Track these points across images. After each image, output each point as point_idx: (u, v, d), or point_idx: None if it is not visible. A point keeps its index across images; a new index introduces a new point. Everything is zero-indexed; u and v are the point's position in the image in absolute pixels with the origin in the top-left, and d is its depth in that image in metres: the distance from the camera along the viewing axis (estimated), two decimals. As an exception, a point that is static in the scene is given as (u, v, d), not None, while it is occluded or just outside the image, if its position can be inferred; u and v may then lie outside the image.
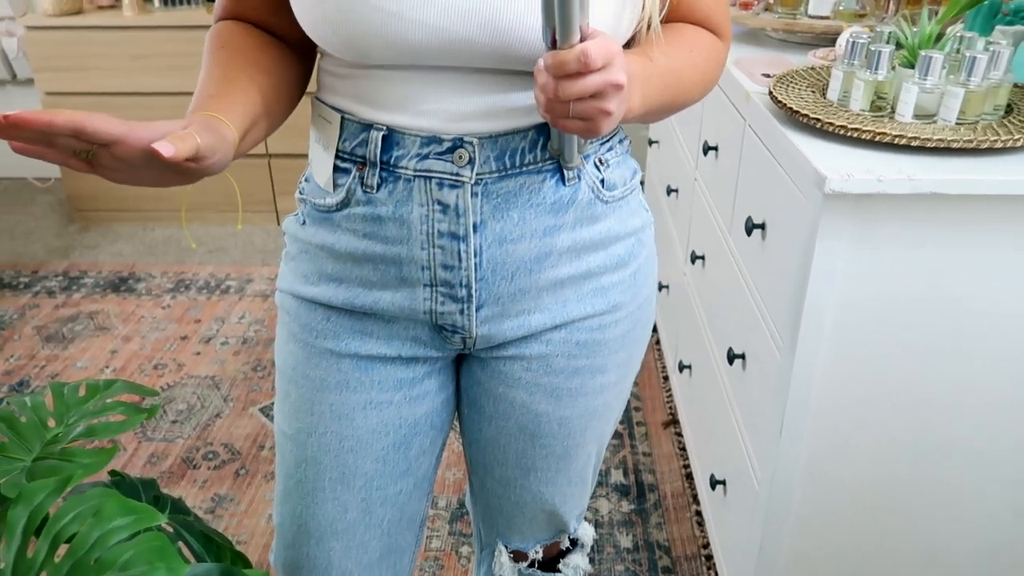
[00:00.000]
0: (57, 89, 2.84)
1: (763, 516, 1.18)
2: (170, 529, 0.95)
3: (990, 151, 0.98)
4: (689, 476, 1.81)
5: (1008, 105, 1.06)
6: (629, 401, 2.05)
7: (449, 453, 1.86)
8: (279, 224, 3.06)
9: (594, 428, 0.91)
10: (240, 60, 0.74)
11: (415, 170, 0.73)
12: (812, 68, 1.23)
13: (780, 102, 1.08)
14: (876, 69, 1.02)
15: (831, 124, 1.00)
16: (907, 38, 1.07)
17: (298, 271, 0.83)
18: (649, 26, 0.73)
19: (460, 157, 0.72)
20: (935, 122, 1.01)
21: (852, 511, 1.18)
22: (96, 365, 2.22)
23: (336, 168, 0.76)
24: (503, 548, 1.02)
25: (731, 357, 1.31)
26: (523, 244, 0.76)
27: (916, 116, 1.02)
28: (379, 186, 0.74)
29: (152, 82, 2.83)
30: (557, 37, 0.58)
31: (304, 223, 0.81)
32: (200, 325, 2.41)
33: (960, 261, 0.99)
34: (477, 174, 0.72)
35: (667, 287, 1.99)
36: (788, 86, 1.14)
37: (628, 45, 0.76)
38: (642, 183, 0.89)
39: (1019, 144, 0.96)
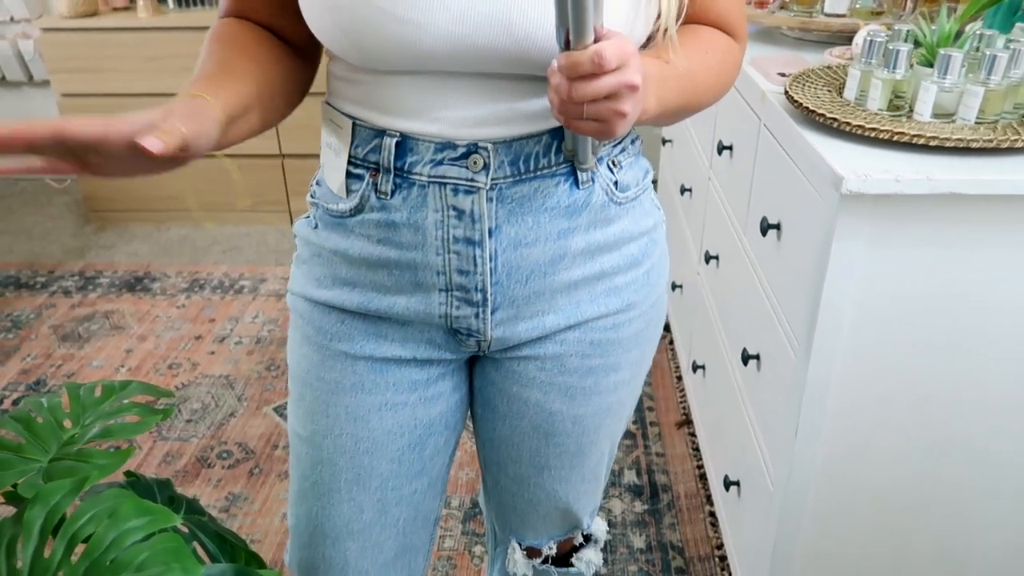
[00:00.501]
0: (73, 91, 2.86)
1: (777, 517, 1.17)
2: (185, 530, 0.96)
3: (1010, 151, 0.96)
4: (703, 476, 1.80)
5: (1028, 104, 1.05)
6: (642, 401, 2.05)
7: (461, 453, 1.86)
8: (292, 224, 3.07)
9: (607, 426, 0.91)
10: (237, 51, 0.73)
11: (429, 176, 0.72)
12: (828, 67, 1.22)
13: (796, 101, 1.07)
14: (894, 68, 1.01)
15: (848, 124, 0.99)
16: (925, 36, 1.05)
17: (311, 275, 0.83)
18: (665, 31, 0.72)
19: (475, 163, 0.71)
20: (954, 121, 1.00)
21: (868, 512, 1.17)
22: (111, 364, 2.24)
23: (349, 174, 0.75)
24: (517, 545, 1.02)
25: (745, 358, 1.30)
26: (538, 247, 0.75)
27: (935, 115, 1.01)
28: (393, 192, 0.74)
29: (167, 83, 2.84)
30: (571, 38, 0.57)
31: (316, 227, 0.81)
32: (214, 325, 2.43)
33: (979, 262, 0.98)
34: (492, 179, 0.72)
35: (681, 287, 1.99)
36: (804, 85, 1.14)
37: (643, 48, 0.75)
38: (654, 182, 0.88)
39: (1039, 143, 0.95)
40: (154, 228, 3.08)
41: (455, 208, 0.73)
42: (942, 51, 0.98)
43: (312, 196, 0.82)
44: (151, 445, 1.92)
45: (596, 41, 0.57)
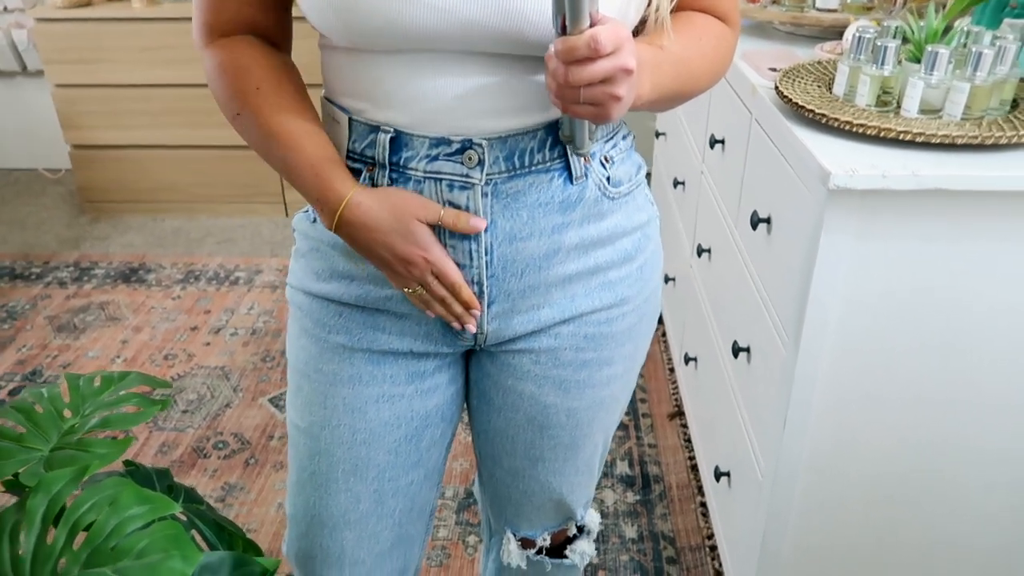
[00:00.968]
0: (67, 81, 2.86)
1: (766, 508, 1.19)
2: (183, 518, 0.97)
3: (995, 147, 0.98)
4: (694, 467, 1.82)
5: (1014, 100, 1.06)
6: (635, 393, 2.06)
7: (456, 443, 1.88)
8: (287, 215, 3.08)
9: (601, 419, 0.92)
10: (296, 102, 0.76)
11: (425, 171, 0.73)
12: (819, 62, 1.24)
13: (786, 97, 1.08)
14: (882, 64, 1.03)
15: (836, 119, 1.01)
16: (913, 32, 1.07)
17: (309, 268, 0.84)
18: (658, 16, 0.73)
19: (470, 159, 0.72)
20: (941, 117, 1.02)
21: (855, 504, 1.19)
22: (107, 355, 2.25)
23: (347, 168, 0.77)
24: (511, 536, 1.03)
25: (736, 350, 1.32)
26: (532, 242, 0.77)
27: (922, 111, 1.02)
28: (390, 187, 0.75)
29: (161, 74, 2.84)
30: (567, 23, 0.59)
31: (315, 220, 0.82)
32: (210, 316, 2.43)
33: (965, 257, 0.99)
34: (487, 175, 0.73)
35: (673, 280, 2.00)
36: (794, 80, 1.15)
37: (636, 34, 0.76)
38: (649, 176, 0.89)
39: (1024, 140, 0.96)
40: (149, 219, 3.08)
41: (450, 203, 0.74)
42: (929, 47, 1.00)
43: (312, 190, 0.83)
44: (147, 435, 1.93)
45: (591, 26, 0.59)
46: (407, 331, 0.83)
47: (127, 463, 1.04)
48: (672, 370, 2.13)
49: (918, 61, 1.04)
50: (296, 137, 0.74)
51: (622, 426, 1.96)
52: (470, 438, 1.01)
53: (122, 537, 0.72)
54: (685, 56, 0.74)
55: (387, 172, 0.74)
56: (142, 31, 2.78)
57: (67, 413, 0.98)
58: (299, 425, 0.88)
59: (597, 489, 1.76)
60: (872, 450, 1.14)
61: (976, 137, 0.95)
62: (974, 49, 0.98)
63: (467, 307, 0.78)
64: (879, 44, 1.02)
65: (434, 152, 0.73)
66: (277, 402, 2.04)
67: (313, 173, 0.73)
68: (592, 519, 1.06)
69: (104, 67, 2.83)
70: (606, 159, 0.79)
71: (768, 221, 1.19)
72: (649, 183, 0.87)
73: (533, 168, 0.74)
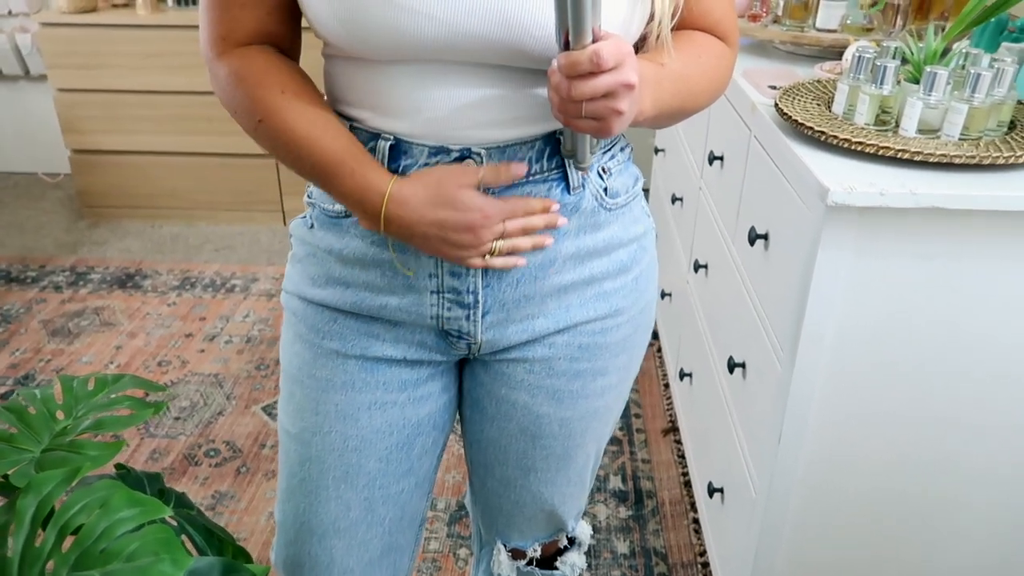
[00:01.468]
0: (70, 86, 2.87)
1: (759, 525, 1.19)
2: (174, 523, 0.96)
3: (992, 167, 0.98)
4: (687, 483, 1.82)
5: (1012, 122, 1.07)
6: (629, 407, 2.06)
7: (448, 455, 1.87)
8: (285, 224, 3.08)
9: (594, 430, 0.92)
10: (322, 105, 0.75)
11: None
12: (818, 81, 1.25)
13: (786, 114, 1.09)
14: (881, 84, 1.03)
15: (835, 137, 1.01)
16: (912, 54, 1.08)
17: (305, 274, 0.84)
18: (659, 34, 0.74)
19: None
20: (939, 137, 1.02)
21: (848, 522, 1.18)
22: (101, 361, 2.24)
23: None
24: (502, 547, 1.03)
25: (731, 366, 1.31)
26: (528, 251, 0.77)
27: (920, 131, 1.03)
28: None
29: (165, 80, 2.85)
30: (570, 38, 0.60)
31: (312, 226, 0.82)
32: (205, 323, 2.43)
33: (961, 275, 1.00)
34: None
35: (670, 295, 2.00)
36: (794, 98, 1.16)
37: (636, 51, 0.77)
38: (646, 190, 0.90)
39: (1021, 161, 0.97)
40: (147, 225, 3.08)
41: None
42: (928, 68, 1.01)
43: (309, 196, 0.83)
44: (139, 442, 1.92)
45: (594, 41, 0.59)
46: (401, 338, 0.83)
47: (119, 467, 1.03)
48: (667, 385, 2.13)
49: (917, 81, 1.05)
50: (326, 143, 0.72)
51: (616, 441, 1.95)
52: (463, 450, 1.00)
53: (112, 540, 0.71)
54: (685, 73, 0.75)
55: (386, 179, 0.74)
56: (146, 37, 2.79)
57: (60, 415, 0.97)
58: (290, 431, 0.88)
59: (590, 504, 1.76)
60: (866, 467, 1.14)
61: (973, 157, 0.96)
62: (972, 71, 0.99)
63: (546, 210, 0.75)
64: (879, 64, 1.03)
65: (433, 160, 0.73)
66: (270, 410, 2.04)
67: (348, 171, 0.72)
68: (583, 531, 1.05)
69: (107, 72, 2.84)
70: (603, 170, 0.79)
71: (766, 237, 1.20)
72: (647, 199, 0.88)
73: (531, 178, 0.75)
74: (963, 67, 1.07)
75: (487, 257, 0.74)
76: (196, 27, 2.80)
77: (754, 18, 1.64)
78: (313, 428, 0.86)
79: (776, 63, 1.52)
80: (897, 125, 1.05)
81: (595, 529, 1.70)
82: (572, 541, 1.05)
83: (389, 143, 0.73)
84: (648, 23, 0.74)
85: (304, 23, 0.77)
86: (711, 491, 1.46)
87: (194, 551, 0.96)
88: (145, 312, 2.48)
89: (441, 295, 0.79)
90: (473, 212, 0.71)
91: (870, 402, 1.08)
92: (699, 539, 1.67)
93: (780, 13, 1.60)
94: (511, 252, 0.75)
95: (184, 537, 0.95)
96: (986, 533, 1.19)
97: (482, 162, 0.73)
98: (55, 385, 1.04)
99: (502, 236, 0.73)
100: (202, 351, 2.29)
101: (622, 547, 1.66)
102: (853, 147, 1.00)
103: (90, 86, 2.86)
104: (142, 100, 2.88)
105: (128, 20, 2.78)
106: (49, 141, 3.36)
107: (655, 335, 2.22)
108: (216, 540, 0.97)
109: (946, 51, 1.09)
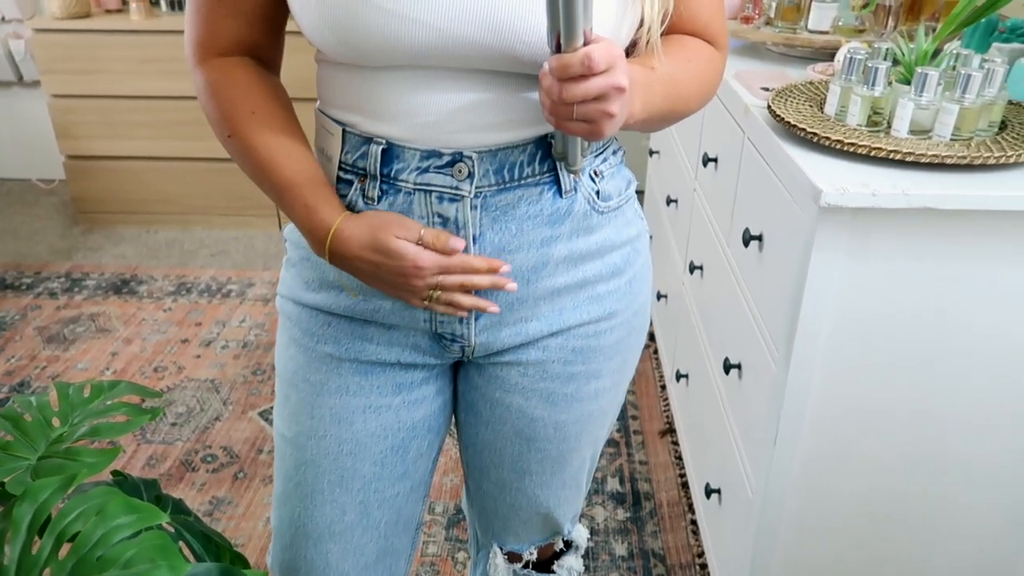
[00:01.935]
0: (63, 91, 2.86)
1: (756, 525, 1.19)
2: (171, 529, 0.96)
3: (983, 167, 0.99)
4: (685, 485, 1.82)
5: (1002, 122, 1.08)
6: (626, 409, 2.06)
7: (446, 459, 1.87)
8: (280, 228, 3.08)
9: (589, 432, 0.92)
10: (291, 130, 0.77)
11: (415, 183, 0.74)
12: (811, 82, 1.25)
13: (778, 116, 1.10)
14: (873, 85, 1.04)
15: (828, 138, 1.02)
16: (904, 55, 1.08)
17: (300, 278, 0.84)
18: (649, 39, 0.74)
19: (460, 171, 0.73)
20: (930, 138, 1.03)
21: (845, 521, 1.19)
22: (97, 367, 2.23)
23: (339, 179, 0.77)
24: (498, 550, 1.03)
25: (727, 367, 1.32)
26: (521, 254, 0.77)
27: (912, 132, 1.03)
28: (380, 198, 0.75)
29: (158, 86, 2.84)
30: (562, 41, 0.60)
31: (307, 231, 0.82)
32: (201, 328, 2.43)
33: (954, 275, 1.00)
34: (476, 187, 0.74)
35: (666, 296, 2.01)
36: (787, 100, 1.16)
37: (627, 56, 0.77)
38: (640, 193, 0.90)
39: (1012, 161, 0.97)
40: (142, 230, 3.07)
41: (440, 215, 0.74)
42: (919, 69, 1.01)
43: (304, 201, 0.83)
44: (135, 448, 1.92)
45: (585, 44, 0.60)
46: (395, 342, 0.83)
47: (115, 473, 1.03)
48: (663, 387, 2.13)
49: (908, 82, 1.06)
50: (287, 169, 0.75)
51: (613, 443, 1.96)
52: (459, 452, 1.01)
53: (109, 547, 0.71)
54: (675, 77, 0.76)
55: (378, 183, 0.75)
56: (140, 43, 2.79)
57: (56, 422, 0.97)
58: (286, 435, 0.88)
59: (587, 505, 1.76)
60: (862, 467, 1.14)
61: (965, 157, 0.97)
62: (963, 72, 0.99)
63: (492, 271, 0.75)
64: (870, 65, 1.04)
65: (425, 164, 0.73)
66: (267, 416, 2.04)
67: (302, 202, 0.75)
68: (580, 534, 1.05)
69: (101, 78, 2.84)
70: (596, 173, 0.80)
71: (760, 238, 1.20)
72: (642, 201, 0.88)
73: (523, 181, 0.75)
74: (954, 68, 1.08)
75: (427, 301, 0.76)
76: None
77: (746, 20, 1.64)
78: (308, 432, 0.86)
79: (768, 65, 1.52)
80: (889, 126, 1.06)
81: (593, 531, 1.70)
82: (569, 544, 1.05)
83: (381, 147, 0.74)
84: (638, 29, 0.75)
85: (291, 26, 0.78)
86: (708, 492, 1.46)
87: (191, 557, 0.96)
88: (141, 318, 2.48)
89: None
90: (405, 261, 0.73)
91: (864, 401, 1.09)
92: (697, 540, 1.68)
93: (772, 15, 1.61)
94: (450, 304, 0.76)
95: (181, 543, 0.94)
96: (982, 533, 1.19)
97: (474, 165, 0.73)
98: (51, 392, 1.04)
99: (437, 288, 0.75)
100: (198, 356, 2.28)
101: (620, 549, 1.66)
102: (845, 148, 1.01)
103: (84, 92, 2.86)
104: (136, 105, 2.88)
105: (122, 25, 2.78)
106: (43, 147, 3.35)
107: (651, 337, 2.22)
108: (213, 546, 0.97)
109: (937, 52, 1.09)
